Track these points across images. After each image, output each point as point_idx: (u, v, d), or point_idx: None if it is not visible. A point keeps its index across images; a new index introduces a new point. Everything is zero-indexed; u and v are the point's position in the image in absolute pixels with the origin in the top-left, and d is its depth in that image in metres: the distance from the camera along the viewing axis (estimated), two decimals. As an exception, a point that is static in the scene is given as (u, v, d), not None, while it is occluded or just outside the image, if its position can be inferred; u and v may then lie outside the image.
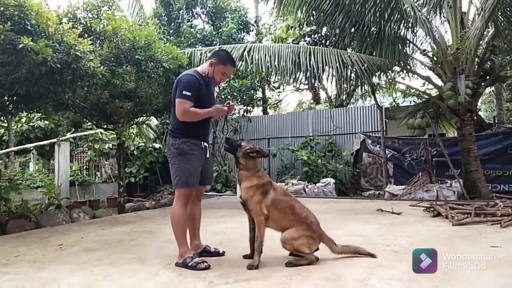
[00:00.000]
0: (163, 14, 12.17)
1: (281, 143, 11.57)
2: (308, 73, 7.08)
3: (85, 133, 9.94)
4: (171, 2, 11.94)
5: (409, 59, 7.97)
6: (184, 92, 2.89)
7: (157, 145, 10.99)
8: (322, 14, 7.54)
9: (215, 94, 3.34)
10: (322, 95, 16.25)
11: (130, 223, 5.33)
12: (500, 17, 6.26)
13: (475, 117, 7.52)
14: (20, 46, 3.87)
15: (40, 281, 2.69)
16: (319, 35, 11.25)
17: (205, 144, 3.13)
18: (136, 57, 5.32)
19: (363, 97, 10.31)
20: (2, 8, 4.00)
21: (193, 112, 2.91)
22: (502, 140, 8.53)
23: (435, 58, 7.81)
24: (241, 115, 11.75)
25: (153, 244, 3.86)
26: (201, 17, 13.06)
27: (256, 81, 11.91)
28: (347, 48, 8.03)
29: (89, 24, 5.12)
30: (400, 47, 7.38)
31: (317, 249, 2.89)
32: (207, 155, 3.15)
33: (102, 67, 4.70)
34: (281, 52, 7.12)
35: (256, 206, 2.85)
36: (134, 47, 5.30)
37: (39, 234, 4.68)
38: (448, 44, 7.37)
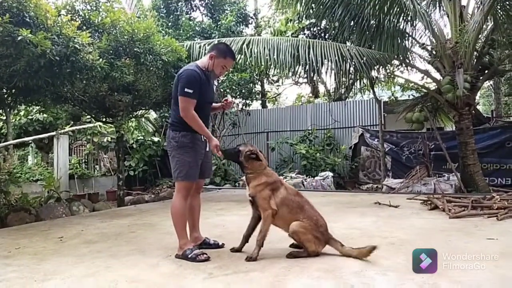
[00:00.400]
0: (162, 6, 12.10)
1: (280, 136, 11.58)
2: (307, 67, 7.08)
3: (84, 126, 9.93)
4: (169, -6, 11.88)
5: (408, 53, 7.97)
6: (186, 89, 2.89)
7: (156, 139, 11.00)
8: (321, 7, 7.52)
9: (214, 88, 3.35)
10: (321, 88, 16.25)
11: (129, 216, 5.36)
12: (499, 11, 6.25)
13: (473, 111, 7.55)
14: (19, 38, 3.86)
15: (41, 272, 2.71)
16: (318, 28, 11.25)
17: (205, 137, 3.14)
18: (135, 49, 5.31)
19: (361, 91, 10.30)
20: (0, 0, 3.98)
21: (195, 120, 2.92)
22: (499, 134, 8.57)
23: (434, 52, 7.81)
24: (239, 109, 11.74)
25: (153, 236, 3.89)
26: (199, 10, 13.00)
27: (255, 75, 11.88)
28: (346, 42, 8.02)
29: (87, 16, 5.10)
30: (399, 41, 7.38)
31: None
32: (207, 149, 3.17)
33: (101, 59, 4.68)
34: (280, 45, 7.10)
35: (264, 201, 2.84)
36: (133, 39, 5.28)
37: (39, 226, 4.71)
38: (447, 38, 7.37)
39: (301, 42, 7.25)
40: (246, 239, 3.05)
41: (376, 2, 6.83)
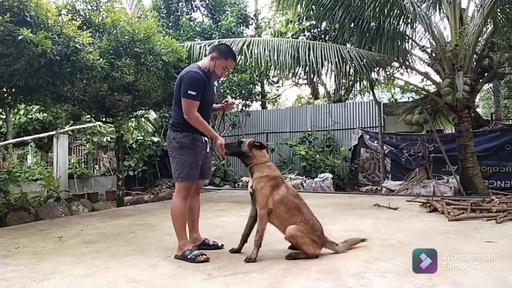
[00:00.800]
0: (162, 7, 12.11)
1: (280, 138, 11.61)
2: (307, 68, 7.09)
3: (83, 126, 9.94)
4: (170, -6, 11.89)
5: (408, 55, 7.99)
6: (189, 91, 2.90)
7: (155, 139, 11.00)
8: (321, 8, 7.54)
9: (215, 89, 3.35)
10: (321, 90, 16.27)
11: (129, 216, 5.36)
12: (499, 14, 6.27)
13: (472, 114, 7.57)
14: (20, 37, 3.87)
15: (40, 272, 2.71)
16: (319, 29, 11.27)
17: (205, 138, 3.15)
18: (135, 49, 5.32)
19: (361, 92, 10.33)
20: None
21: (200, 121, 2.95)
22: (499, 137, 8.59)
23: (433, 54, 7.83)
24: (239, 110, 11.75)
25: (152, 236, 3.89)
26: (200, 10, 13.00)
27: (255, 76, 11.90)
28: (346, 43, 8.04)
29: (88, 16, 5.11)
30: (399, 43, 7.40)
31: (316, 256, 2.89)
32: (207, 150, 3.18)
33: (101, 59, 4.69)
34: (281, 47, 7.12)
35: (263, 198, 2.85)
36: (133, 39, 5.29)
37: (38, 226, 4.70)
38: (447, 41, 7.39)
39: (301, 43, 7.27)
40: (244, 239, 3.05)
41: (376, 4, 6.85)
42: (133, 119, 9.06)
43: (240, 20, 11.98)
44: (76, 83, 5.37)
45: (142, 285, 2.43)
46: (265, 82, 15.26)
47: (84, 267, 2.81)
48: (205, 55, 3.36)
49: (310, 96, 17.07)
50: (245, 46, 7.14)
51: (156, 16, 11.18)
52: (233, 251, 3.08)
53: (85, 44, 4.47)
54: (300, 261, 2.77)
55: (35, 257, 3.12)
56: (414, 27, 7.64)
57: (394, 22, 7.23)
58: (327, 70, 7.40)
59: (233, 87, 11.04)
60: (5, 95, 5.33)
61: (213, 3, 12.47)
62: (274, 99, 18.55)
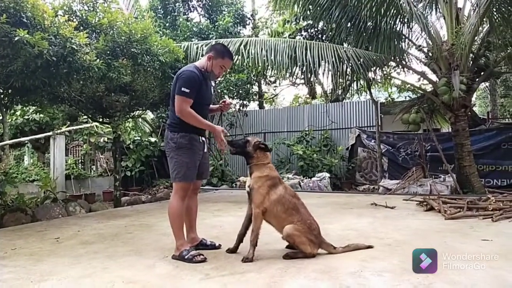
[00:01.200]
0: (159, 7, 12.09)
1: (277, 137, 11.61)
2: (304, 68, 7.10)
3: (80, 126, 9.91)
4: (167, -6, 11.87)
5: (405, 54, 8.01)
6: (183, 89, 2.90)
7: (153, 139, 10.98)
8: (318, 8, 7.55)
9: (212, 89, 3.33)
10: (318, 89, 16.31)
11: (126, 216, 5.35)
12: (495, 13, 6.30)
13: (469, 113, 7.60)
14: (16, 38, 3.86)
15: (37, 273, 2.71)
16: (316, 29, 11.28)
17: (203, 138, 3.15)
18: (132, 50, 5.31)
19: (358, 92, 10.37)
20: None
21: (193, 115, 2.93)
22: (495, 136, 8.63)
23: (430, 54, 7.86)
24: (237, 110, 11.75)
25: (150, 237, 3.89)
26: (197, 10, 13.00)
27: (252, 76, 11.90)
28: (343, 43, 8.05)
29: (85, 17, 5.10)
30: (395, 42, 7.42)
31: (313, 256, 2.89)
32: (205, 150, 3.18)
33: (98, 60, 4.68)
34: (278, 47, 7.13)
35: (259, 197, 2.86)
36: (130, 40, 5.28)
37: (35, 227, 4.69)
38: (443, 40, 7.42)
39: (298, 43, 7.28)
40: (240, 238, 3.06)
41: (373, 4, 6.86)
42: (130, 119, 9.04)
43: (237, 20, 11.98)
44: (73, 84, 5.36)
45: (139, 285, 2.43)
46: (262, 82, 15.26)
47: (81, 268, 2.81)
48: (202, 55, 3.35)
49: (308, 95, 17.09)
50: (242, 46, 7.14)
51: (153, 16, 11.14)
52: (229, 251, 3.08)
53: (82, 45, 4.46)
54: (297, 261, 2.78)
55: (32, 258, 3.11)
56: (411, 26, 7.66)
57: (390, 21, 7.25)
58: (324, 70, 7.41)
59: (231, 87, 11.04)
60: (2, 96, 5.33)
61: (210, 3, 12.46)
62: (271, 99, 18.56)
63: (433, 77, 7.83)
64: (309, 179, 9.42)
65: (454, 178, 7.36)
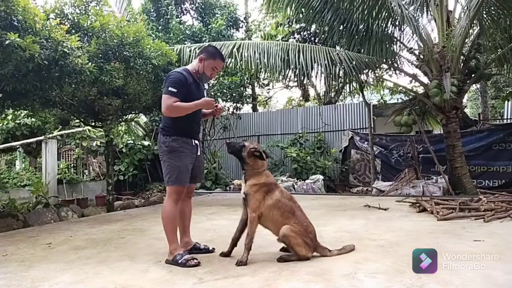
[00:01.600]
0: (152, 10, 12.04)
1: (271, 140, 11.63)
2: (297, 71, 7.13)
3: (72, 130, 9.82)
4: (159, -3, 11.84)
5: (396, 57, 8.08)
6: (170, 88, 2.90)
7: (146, 143, 10.92)
8: (311, 11, 7.59)
9: (205, 92, 3.31)
10: (311, 92, 16.35)
11: (119, 221, 5.31)
12: (484, 16, 6.38)
13: (460, 114, 7.67)
14: (7, 42, 3.82)
15: (29, 279, 2.68)
16: (308, 32, 11.33)
17: (196, 142, 3.14)
18: (125, 53, 5.28)
19: (351, 94, 10.40)
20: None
21: (177, 106, 2.90)
22: (486, 137, 8.72)
23: (421, 56, 7.93)
24: (230, 113, 11.75)
25: (143, 241, 3.86)
26: (190, 13, 12.97)
27: (245, 78, 11.90)
28: (336, 46, 8.10)
29: (76, 20, 5.06)
30: (387, 45, 7.48)
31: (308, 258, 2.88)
32: (198, 153, 3.17)
33: (90, 63, 4.65)
34: (271, 49, 7.15)
35: (255, 202, 2.85)
36: (122, 43, 5.25)
37: (27, 233, 4.64)
38: (434, 42, 7.49)
39: (291, 46, 7.31)
40: (234, 242, 3.05)
41: (365, 7, 6.92)
42: (123, 123, 8.99)
43: (230, 23, 11.98)
44: (64, 88, 5.31)
45: (132, 290, 2.41)
46: (255, 84, 15.26)
47: (74, 274, 2.78)
48: (195, 58, 3.34)
49: (301, 98, 17.14)
50: (235, 49, 7.16)
51: (146, 19, 11.12)
52: (223, 254, 3.07)
53: (74, 48, 4.43)
54: (291, 263, 2.78)
55: (23, 265, 3.08)
56: (402, 29, 7.73)
57: (382, 24, 7.31)
58: (317, 73, 7.46)
59: (224, 90, 11.01)
60: (-8, 100, 5.26)
61: (203, 6, 12.45)
62: (265, 102, 18.58)
63: (425, 79, 7.90)
64: (303, 181, 9.44)
65: (446, 179, 7.42)
